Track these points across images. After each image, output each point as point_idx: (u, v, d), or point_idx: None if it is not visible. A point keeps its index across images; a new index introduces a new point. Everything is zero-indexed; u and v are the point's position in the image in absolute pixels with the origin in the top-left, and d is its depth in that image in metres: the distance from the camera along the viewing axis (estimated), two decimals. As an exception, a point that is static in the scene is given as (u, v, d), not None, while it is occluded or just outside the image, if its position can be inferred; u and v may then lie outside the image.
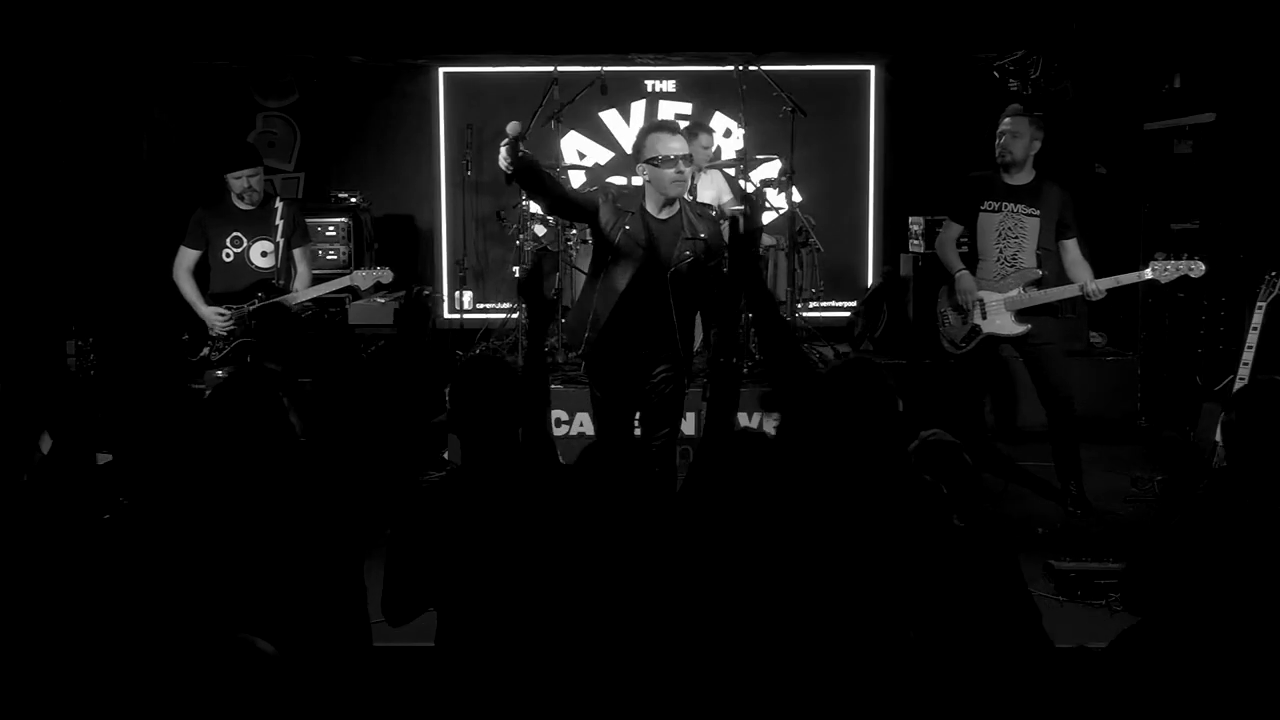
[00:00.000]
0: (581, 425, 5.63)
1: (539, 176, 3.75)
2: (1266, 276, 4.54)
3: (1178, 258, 4.56)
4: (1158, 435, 5.96)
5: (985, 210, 4.81)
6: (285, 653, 1.74)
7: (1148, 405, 6.42)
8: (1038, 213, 4.71)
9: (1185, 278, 4.58)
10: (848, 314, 7.41)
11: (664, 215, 3.87)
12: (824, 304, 7.02)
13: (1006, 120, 4.77)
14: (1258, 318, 4.49)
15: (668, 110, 7.74)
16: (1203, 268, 4.53)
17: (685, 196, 3.98)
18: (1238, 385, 4.48)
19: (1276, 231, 5.53)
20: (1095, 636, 2.93)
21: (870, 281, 7.73)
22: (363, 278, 4.96)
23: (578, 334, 4.00)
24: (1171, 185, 6.29)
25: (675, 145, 3.78)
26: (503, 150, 3.59)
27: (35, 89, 6.21)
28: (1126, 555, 2.47)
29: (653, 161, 3.80)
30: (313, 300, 5.07)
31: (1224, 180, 5.95)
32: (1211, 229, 6.02)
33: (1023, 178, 4.77)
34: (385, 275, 5.01)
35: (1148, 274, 4.58)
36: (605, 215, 3.85)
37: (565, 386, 5.74)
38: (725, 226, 6.18)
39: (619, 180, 7.64)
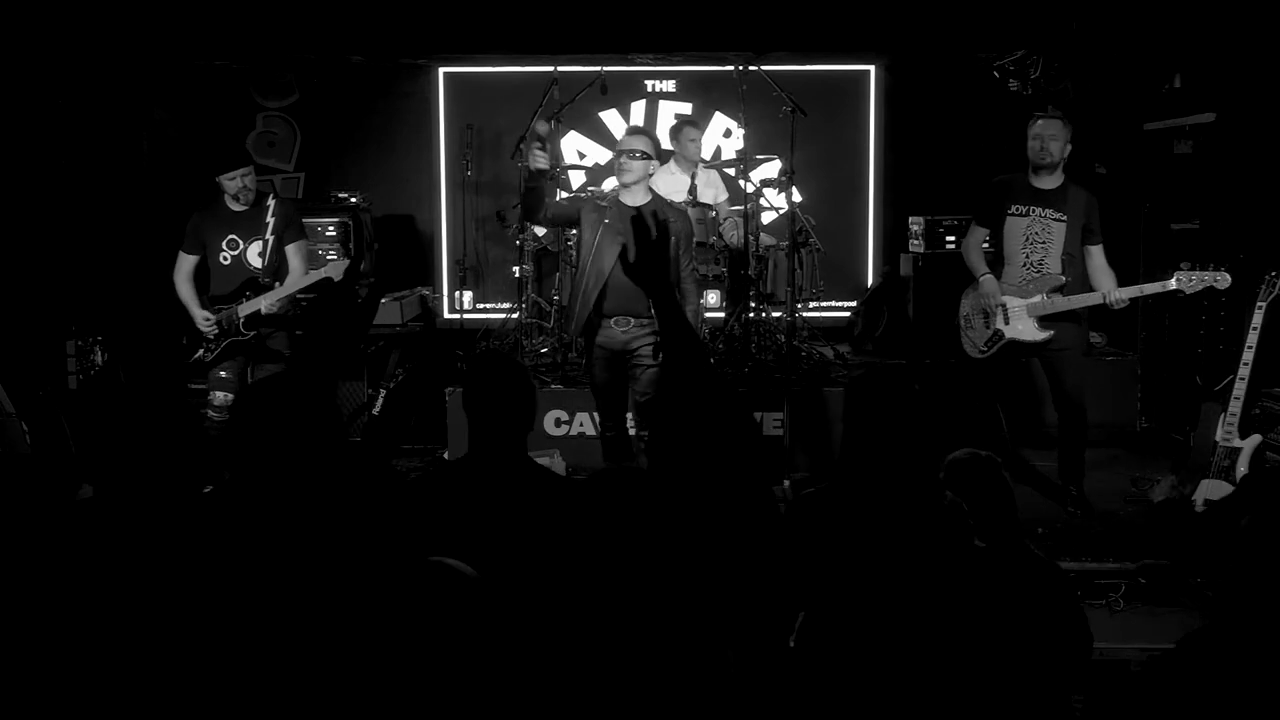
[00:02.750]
0: (581, 425, 5.64)
1: (543, 190, 4.51)
2: (1266, 276, 4.53)
3: (1204, 268, 4.49)
4: (1162, 438, 5.96)
5: (1013, 214, 4.77)
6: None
7: (1148, 405, 6.42)
8: (1065, 218, 4.69)
9: (1211, 289, 4.52)
10: (848, 314, 7.41)
11: (636, 203, 4.42)
12: (824, 304, 7.02)
13: (1040, 122, 4.71)
14: (1258, 318, 4.48)
15: (667, 110, 7.74)
16: (1229, 279, 4.46)
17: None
18: (1237, 385, 4.49)
19: (1276, 231, 5.52)
20: (1096, 636, 2.94)
21: (870, 281, 7.74)
22: (335, 267, 4.96)
23: (569, 316, 4.64)
24: (1171, 185, 6.29)
25: (627, 142, 4.51)
26: (535, 150, 4.29)
27: (36, 89, 6.21)
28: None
29: (616, 156, 4.57)
30: (307, 299, 5.08)
31: (1224, 180, 5.95)
32: (1211, 229, 6.01)
33: (1051, 181, 4.73)
34: (347, 264, 5.03)
35: (1172, 284, 4.51)
36: (588, 216, 4.48)
37: (565, 387, 5.74)
38: (725, 226, 6.26)
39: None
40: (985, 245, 5.02)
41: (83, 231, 6.46)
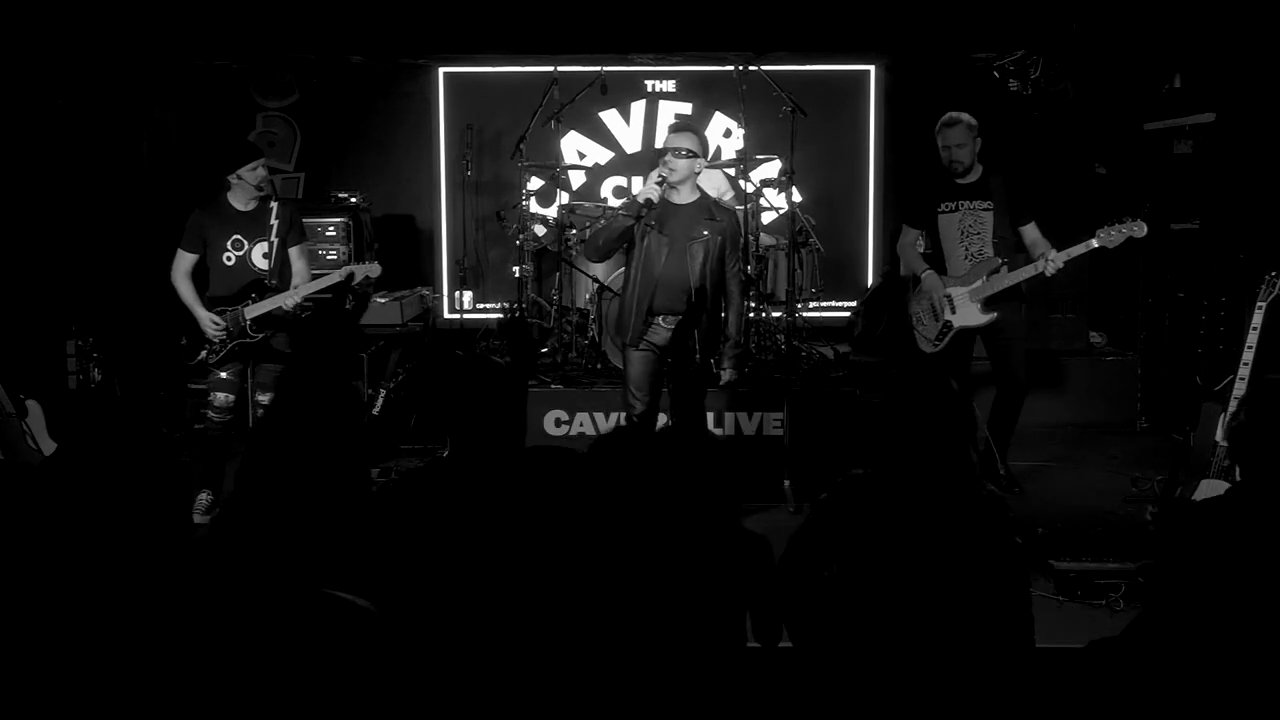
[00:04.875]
0: (581, 425, 5.63)
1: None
2: (1266, 276, 4.53)
3: (1120, 222, 4.68)
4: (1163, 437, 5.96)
5: (943, 212, 5.01)
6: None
7: (1148, 405, 6.42)
8: (990, 205, 4.92)
9: (1131, 240, 4.69)
10: (848, 314, 7.41)
11: (681, 201, 4.42)
12: (824, 304, 7.02)
13: (944, 132, 4.95)
14: (1258, 318, 4.47)
15: (667, 110, 7.74)
16: (1145, 228, 4.65)
17: (709, 193, 4.54)
18: (1237, 385, 4.48)
19: (1276, 231, 5.53)
20: (1095, 637, 2.93)
21: (870, 281, 7.74)
22: (353, 271, 5.00)
23: (625, 325, 4.50)
24: (1171, 185, 6.29)
25: (673, 140, 4.42)
26: (654, 183, 4.33)
27: (36, 89, 6.21)
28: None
29: (660, 155, 4.46)
30: (313, 301, 5.07)
31: (1224, 180, 5.95)
32: (1211, 229, 6.01)
33: (971, 176, 4.98)
34: (374, 269, 5.09)
35: (1094, 243, 4.71)
36: (637, 229, 4.41)
37: (565, 387, 5.74)
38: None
39: (620, 180, 7.68)
40: (921, 246, 5.22)
41: (83, 232, 6.46)
